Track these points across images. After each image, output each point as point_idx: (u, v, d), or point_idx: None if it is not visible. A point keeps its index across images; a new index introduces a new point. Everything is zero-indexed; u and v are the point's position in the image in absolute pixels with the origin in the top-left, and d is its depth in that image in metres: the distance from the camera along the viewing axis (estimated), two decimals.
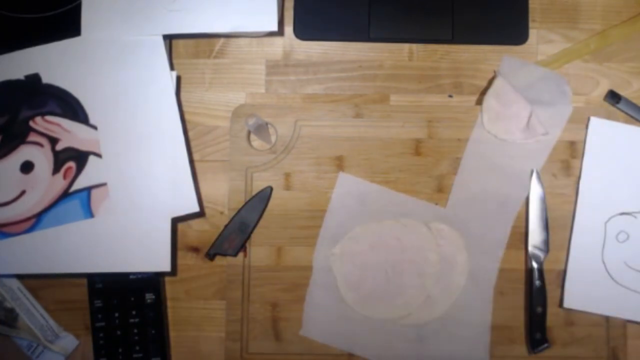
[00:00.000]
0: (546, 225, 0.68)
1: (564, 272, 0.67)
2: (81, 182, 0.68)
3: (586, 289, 0.66)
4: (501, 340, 0.68)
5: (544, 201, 0.68)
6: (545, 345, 0.66)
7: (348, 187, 0.69)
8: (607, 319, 0.67)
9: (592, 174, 0.68)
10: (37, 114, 0.69)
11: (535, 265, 0.67)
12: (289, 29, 0.73)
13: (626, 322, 0.67)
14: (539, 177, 0.68)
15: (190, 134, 0.72)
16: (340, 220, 0.69)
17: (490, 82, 0.70)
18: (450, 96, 0.72)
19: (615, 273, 0.66)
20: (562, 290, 0.67)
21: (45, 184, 0.68)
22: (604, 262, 0.67)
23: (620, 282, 0.66)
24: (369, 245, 0.68)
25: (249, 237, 0.68)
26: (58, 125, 0.69)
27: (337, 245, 0.68)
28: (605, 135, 0.68)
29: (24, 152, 0.69)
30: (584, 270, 0.67)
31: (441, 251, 0.68)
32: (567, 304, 0.66)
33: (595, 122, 0.68)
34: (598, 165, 0.68)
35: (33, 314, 0.69)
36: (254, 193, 0.69)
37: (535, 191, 0.68)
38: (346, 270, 0.68)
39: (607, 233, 0.67)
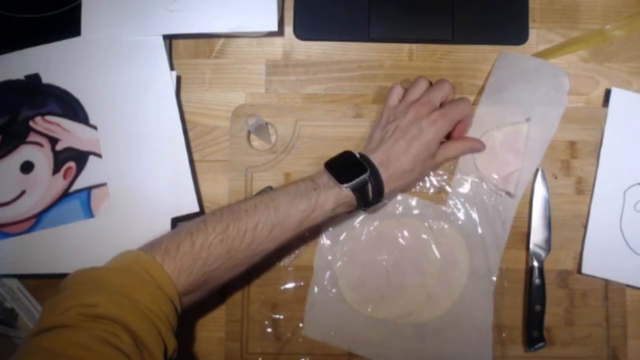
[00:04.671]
0: (549, 224, 0.68)
1: (583, 238, 0.68)
2: (81, 182, 0.68)
3: (604, 256, 0.67)
4: (501, 339, 0.67)
5: (547, 200, 0.68)
6: (542, 344, 0.66)
7: None
8: (607, 318, 0.67)
9: (612, 143, 0.68)
10: (37, 114, 0.69)
11: (536, 263, 0.67)
12: (289, 29, 0.73)
13: (626, 322, 0.67)
14: (543, 176, 0.68)
15: (190, 134, 0.72)
16: (340, 220, 0.69)
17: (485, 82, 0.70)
18: None
19: (632, 242, 0.67)
20: (580, 257, 0.68)
21: (45, 184, 0.68)
22: (621, 230, 0.67)
23: (637, 250, 0.67)
24: (370, 244, 0.68)
25: None
26: (58, 125, 0.69)
27: (338, 245, 0.68)
28: (626, 106, 0.69)
29: (24, 152, 0.69)
30: (602, 238, 0.67)
31: (442, 250, 0.68)
32: (585, 270, 0.67)
33: (617, 93, 0.69)
34: (619, 134, 0.68)
35: (33, 314, 0.69)
36: (254, 193, 0.69)
37: (539, 190, 0.68)
38: (347, 270, 0.68)
39: (625, 202, 0.68)
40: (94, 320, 0.47)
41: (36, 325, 0.48)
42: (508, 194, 0.68)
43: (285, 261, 0.68)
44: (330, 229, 0.69)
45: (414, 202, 0.69)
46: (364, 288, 0.68)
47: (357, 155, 0.60)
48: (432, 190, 0.69)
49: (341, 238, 0.68)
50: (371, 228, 0.68)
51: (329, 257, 0.68)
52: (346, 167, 0.60)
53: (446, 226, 0.68)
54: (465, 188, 0.69)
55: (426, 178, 0.69)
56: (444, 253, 0.68)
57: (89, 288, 0.50)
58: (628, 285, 0.68)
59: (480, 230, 0.68)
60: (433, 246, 0.68)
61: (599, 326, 0.68)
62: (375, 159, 0.60)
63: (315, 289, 0.68)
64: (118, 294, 0.49)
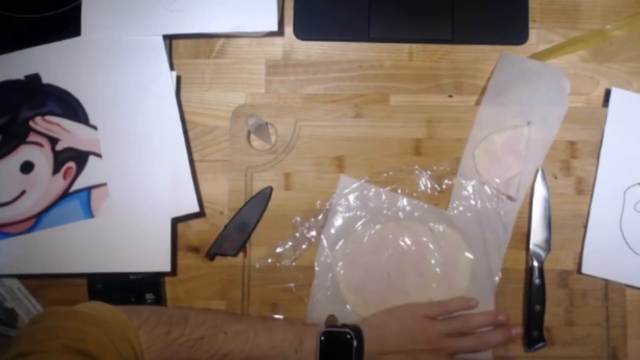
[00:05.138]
0: (549, 224, 0.68)
1: (583, 238, 0.68)
2: (81, 182, 0.68)
3: (604, 256, 0.67)
4: None
5: (547, 200, 0.68)
6: (542, 344, 0.66)
7: (349, 189, 0.69)
8: (607, 318, 0.67)
9: (612, 143, 0.68)
10: (37, 114, 0.69)
11: (535, 263, 0.67)
12: (289, 29, 0.73)
13: (626, 322, 0.67)
14: (543, 176, 0.68)
15: (190, 134, 0.72)
16: (341, 223, 0.69)
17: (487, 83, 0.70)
18: (450, 96, 0.72)
19: (632, 242, 0.67)
20: (580, 257, 0.68)
21: (45, 184, 0.68)
22: (621, 230, 0.67)
23: (637, 250, 0.67)
24: (371, 247, 0.68)
25: (249, 237, 0.68)
26: (58, 125, 0.69)
27: (339, 248, 0.68)
28: (626, 106, 0.69)
29: (24, 152, 0.69)
30: (602, 238, 0.68)
31: (443, 253, 0.68)
32: (585, 270, 0.67)
33: (617, 93, 0.69)
34: (619, 134, 0.68)
35: (33, 314, 0.69)
36: (254, 193, 0.69)
37: (539, 190, 0.68)
38: (348, 273, 0.68)
39: (625, 202, 0.68)
40: (78, 354, 0.47)
41: (11, 350, 0.48)
42: (509, 197, 0.68)
43: (286, 262, 0.68)
44: (332, 232, 0.68)
45: (414, 205, 0.69)
46: (365, 291, 0.67)
47: (353, 347, 0.59)
48: (433, 194, 0.69)
49: (342, 241, 0.68)
50: (372, 231, 0.68)
51: (330, 260, 0.68)
52: (337, 356, 0.59)
53: (447, 229, 0.68)
54: (466, 192, 0.69)
55: (427, 181, 0.69)
56: (445, 256, 0.68)
57: (75, 325, 0.50)
58: (628, 285, 0.68)
59: (481, 234, 0.68)
60: (434, 249, 0.68)
61: (599, 326, 0.68)
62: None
63: (316, 292, 0.68)
64: (104, 338, 0.50)
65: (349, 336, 0.59)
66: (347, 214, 0.69)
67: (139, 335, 0.53)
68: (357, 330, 0.61)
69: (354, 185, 0.69)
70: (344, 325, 0.62)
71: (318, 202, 0.69)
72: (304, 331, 0.60)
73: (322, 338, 0.59)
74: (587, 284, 0.68)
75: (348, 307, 0.67)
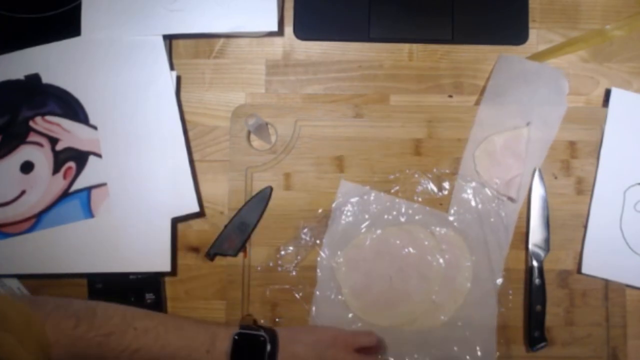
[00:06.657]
0: (547, 224, 0.68)
1: (583, 238, 0.68)
2: (81, 182, 0.68)
3: (604, 256, 0.67)
4: (501, 340, 0.67)
5: (545, 200, 0.68)
6: (544, 343, 0.66)
7: (350, 193, 0.69)
8: (607, 318, 0.67)
9: (612, 143, 0.69)
10: (37, 114, 0.69)
11: (535, 263, 0.67)
12: (289, 29, 0.73)
13: (626, 322, 0.67)
14: (541, 176, 0.68)
15: (190, 134, 0.72)
16: (343, 228, 0.68)
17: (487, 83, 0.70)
18: (450, 96, 0.72)
19: (632, 242, 0.67)
20: (580, 257, 0.68)
21: (45, 184, 0.68)
22: (621, 230, 0.67)
23: (637, 250, 0.67)
24: (373, 251, 0.68)
25: (249, 237, 0.68)
26: (58, 125, 0.69)
27: (341, 252, 0.68)
28: (626, 106, 0.69)
29: (24, 152, 0.69)
30: (602, 238, 0.68)
31: (445, 256, 0.68)
32: (585, 270, 0.67)
33: (617, 93, 0.69)
34: (619, 134, 0.69)
35: None
36: (254, 193, 0.69)
37: (537, 190, 0.68)
38: (350, 278, 0.68)
39: (625, 202, 0.68)
40: None
41: None
42: (510, 198, 0.68)
43: (288, 266, 0.68)
44: (334, 237, 0.68)
45: (416, 209, 0.69)
46: (368, 295, 0.67)
47: (267, 351, 0.57)
48: (434, 197, 0.69)
49: (344, 245, 0.68)
50: (374, 235, 0.68)
51: (332, 264, 0.68)
52: (250, 358, 0.57)
53: (449, 232, 0.68)
54: (467, 194, 0.69)
55: (428, 184, 0.69)
56: (447, 259, 0.68)
57: None
58: (628, 285, 0.68)
59: (482, 236, 0.68)
60: (436, 252, 0.68)
61: (599, 326, 0.68)
62: None
63: (319, 296, 0.68)
64: (14, 343, 0.48)
65: (262, 339, 0.58)
66: (348, 219, 0.69)
67: (45, 329, 0.51)
68: (272, 334, 0.59)
69: (355, 190, 0.69)
70: (260, 328, 0.60)
71: (320, 210, 0.69)
72: (217, 331, 0.58)
73: (235, 339, 0.57)
74: (587, 284, 0.68)
75: (352, 311, 0.67)
